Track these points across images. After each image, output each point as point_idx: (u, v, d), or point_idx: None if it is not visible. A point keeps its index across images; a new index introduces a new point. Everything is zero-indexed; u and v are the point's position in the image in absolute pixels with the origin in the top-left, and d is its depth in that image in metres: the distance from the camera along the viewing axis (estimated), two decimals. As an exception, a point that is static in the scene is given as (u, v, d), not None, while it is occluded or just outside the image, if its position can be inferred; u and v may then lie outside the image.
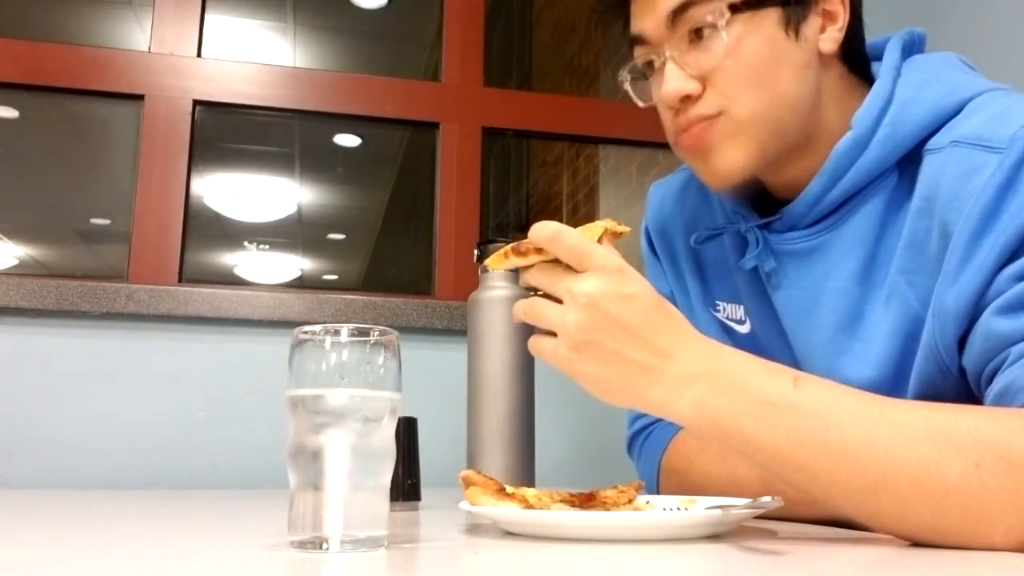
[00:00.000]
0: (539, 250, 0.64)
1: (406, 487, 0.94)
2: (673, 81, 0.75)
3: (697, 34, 0.75)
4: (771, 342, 0.85)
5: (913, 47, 0.81)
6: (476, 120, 1.80)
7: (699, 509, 0.67)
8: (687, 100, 0.76)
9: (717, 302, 0.91)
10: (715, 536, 0.61)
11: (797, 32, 0.75)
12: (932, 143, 0.71)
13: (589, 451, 1.57)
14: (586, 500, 0.67)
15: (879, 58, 0.80)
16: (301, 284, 5.35)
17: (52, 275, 1.70)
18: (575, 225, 0.65)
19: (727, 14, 0.73)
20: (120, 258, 1.62)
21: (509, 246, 0.66)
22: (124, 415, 1.41)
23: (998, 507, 0.54)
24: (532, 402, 1.04)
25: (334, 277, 5.56)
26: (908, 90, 0.75)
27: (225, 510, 0.92)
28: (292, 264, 5.36)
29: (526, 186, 3.13)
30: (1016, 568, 0.50)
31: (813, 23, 0.76)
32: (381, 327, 0.56)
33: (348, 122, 2.11)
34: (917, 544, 0.58)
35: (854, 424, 0.58)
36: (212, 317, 1.46)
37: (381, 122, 1.84)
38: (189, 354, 1.45)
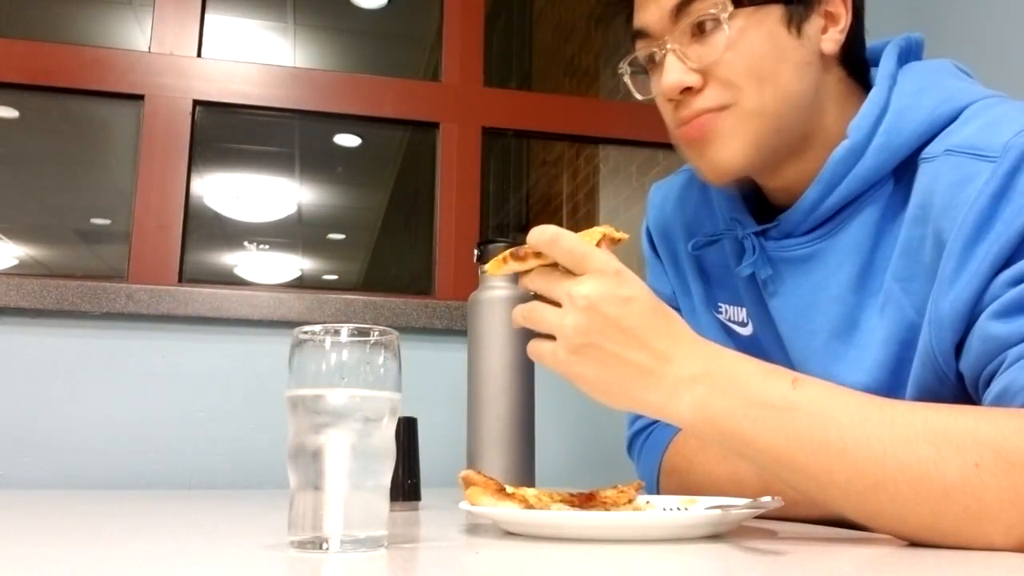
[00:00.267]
0: (538, 254, 0.64)
1: (406, 487, 0.94)
2: (674, 73, 0.75)
3: (700, 28, 0.75)
4: (771, 345, 0.85)
5: (910, 53, 0.81)
6: (476, 120, 1.80)
7: (699, 509, 0.67)
8: (688, 92, 0.76)
9: (719, 304, 0.91)
10: (715, 536, 0.61)
11: (799, 30, 0.75)
12: (927, 152, 0.72)
13: (589, 451, 1.57)
14: (586, 500, 0.67)
15: (877, 63, 0.80)
16: (301, 284, 5.35)
17: (52, 275, 1.70)
18: (575, 227, 0.65)
19: (730, 8, 0.74)
20: (120, 258, 1.62)
21: (508, 251, 0.66)
22: (124, 415, 1.41)
23: (997, 506, 0.55)
24: (532, 402, 1.04)
25: (334, 277, 5.56)
26: (904, 98, 0.75)
27: (225, 510, 0.92)
28: (292, 264, 5.36)
29: (526, 186, 3.13)
30: (1016, 568, 0.50)
31: (815, 23, 0.77)
32: (381, 327, 0.56)
33: (348, 122, 2.11)
34: (917, 544, 0.58)
35: (853, 425, 0.58)
36: (212, 317, 1.46)
37: (381, 122, 1.84)
38: (189, 354, 1.46)
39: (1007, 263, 0.63)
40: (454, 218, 1.74)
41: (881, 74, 0.77)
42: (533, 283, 0.66)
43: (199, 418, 1.44)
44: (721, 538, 0.61)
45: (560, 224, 0.64)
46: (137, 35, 2.85)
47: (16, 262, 4.44)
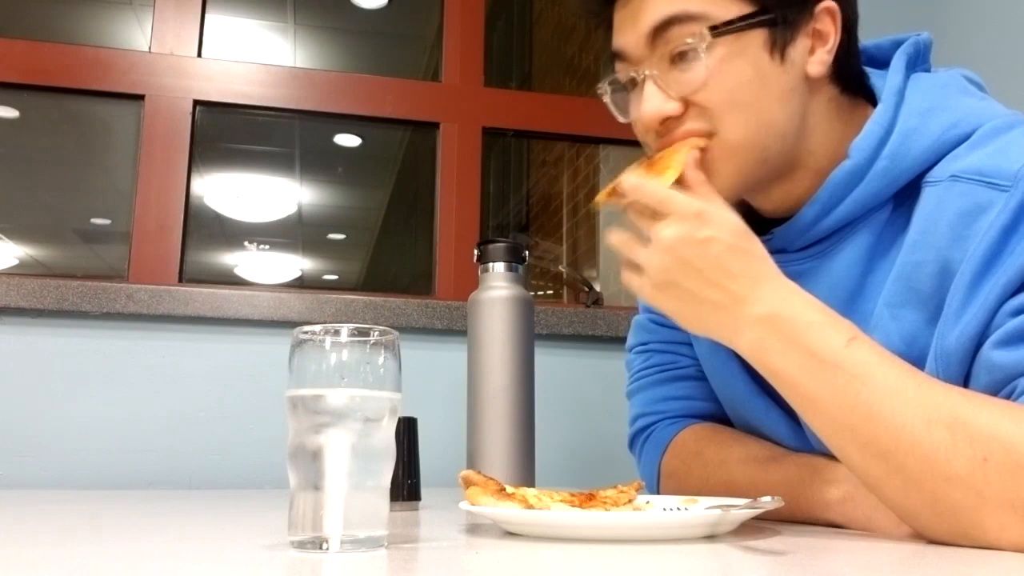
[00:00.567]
0: None
1: (406, 487, 0.94)
2: (652, 102, 0.73)
3: (680, 54, 0.72)
4: None
5: (918, 59, 0.78)
6: (476, 120, 1.80)
7: (699, 509, 0.67)
8: (668, 121, 0.74)
9: None
10: (715, 536, 0.61)
11: (783, 55, 0.72)
12: (931, 175, 0.70)
13: (589, 451, 1.58)
14: (586, 500, 0.67)
15: (881, 62, 0.78)
16: (301, 284, 5.35)
17: (52, 275, 1.70)
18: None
19: (708, 38, 0.70)
20: (120, 258, 1.62)
21: (613, 183, 0.70)
22: (124, 415, 1.41)
23: (996, 503, 0.55)
24: (532, 402, 1.04)
25: (334, 277, 5.56)
26: (910, 119, 0.72)
27: (225, 510, 0.92)
28: (292, 264, 5.35)
29: (526, 186, 3.13)
30: (1016, 569, 0.50)
31: (801, 45, 0.73)
32: (381, 327, 0.56)
33: (348, 122, 2.12)
34: (917, 538, 0.59)
35: (885, 394, 0.60)
36: (212, 317, 1.46)
37: (381, 122, 1.84)
38: (189, 354, 1.46)
39: (1013, 294, 0.62)
40: (454, 218, 1.74)
41: (888, 89, 0.74)
42: (633, 217, 0.70)
43: (199, 418, 1.44)
44: (721, 538, 0.61)
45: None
46: (137, 35, 2.85)
47: (16, 262, 4.44)
